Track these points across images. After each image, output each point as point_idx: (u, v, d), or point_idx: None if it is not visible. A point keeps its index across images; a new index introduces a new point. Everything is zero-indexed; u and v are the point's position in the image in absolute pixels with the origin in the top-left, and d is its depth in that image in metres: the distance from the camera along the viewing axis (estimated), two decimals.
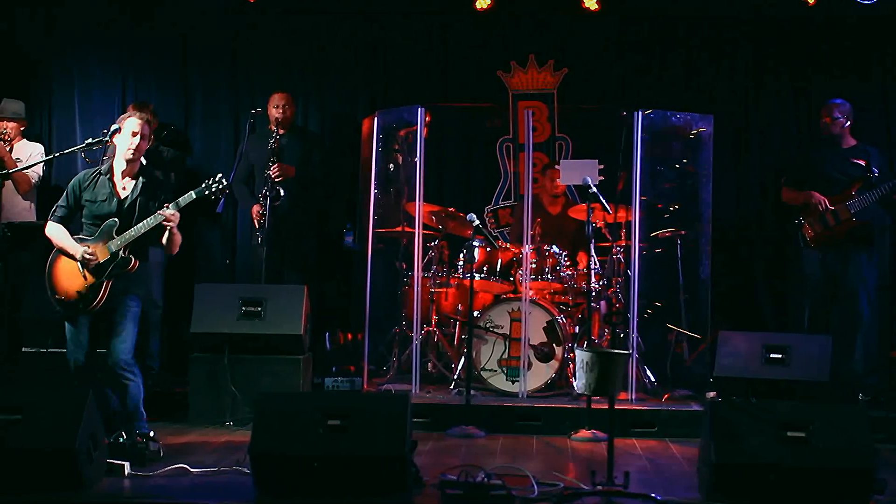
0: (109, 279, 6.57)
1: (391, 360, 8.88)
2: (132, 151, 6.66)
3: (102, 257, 6.56)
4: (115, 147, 6.74)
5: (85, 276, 6.58)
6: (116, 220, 6.60)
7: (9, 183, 8.63)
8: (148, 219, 6.52)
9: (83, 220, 6.75)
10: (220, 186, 6.71)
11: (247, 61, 10.02)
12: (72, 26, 9.95)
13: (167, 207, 6.51)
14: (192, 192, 6.65)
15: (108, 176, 6.71)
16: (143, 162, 6.85)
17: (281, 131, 9.00)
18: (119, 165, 6.72)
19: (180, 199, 6.58)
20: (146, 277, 6.96)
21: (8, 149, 8.93)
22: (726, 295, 9.17)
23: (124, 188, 6.70)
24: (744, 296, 9.55)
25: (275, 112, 9.07)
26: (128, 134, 6.65)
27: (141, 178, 6.74)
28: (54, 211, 6.80)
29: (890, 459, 6.58)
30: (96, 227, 6.65)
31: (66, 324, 6.73)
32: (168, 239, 6.60)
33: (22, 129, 9.19)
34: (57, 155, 7.67)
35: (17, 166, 8.52)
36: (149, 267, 6.94)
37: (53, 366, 7.98)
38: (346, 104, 10.08)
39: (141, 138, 6.67)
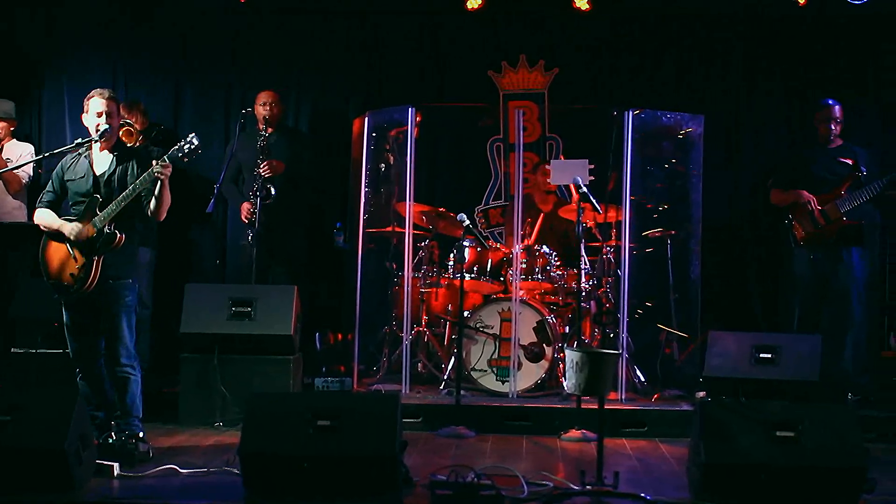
0: (99, 256, 6.54)
1: (381, 361, 8.88)
2: (98, 131, 6.64)
3: (89, 235, 6.55)
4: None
5: (75, 257, 6.57)
6: (99, 196, 6.60)
7: None
8: (127, 190, 6.50)
9: (69, 201, 6.77)
10: (192, 147, 6.62)
11: (237, 61, 10.00)
12: (69, 26, 9.94)
13: (161, 160, 6.47)
14: (165, 156, 6.55)
15: (84, 155, 6.75)
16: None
17: (269, 130, 9.00)
18: (96, 145, 6.74)
19: (155, 166, 6.50)
20: (135, 258, 6.91)
21: None
22: (716, 295, 9.20)
23: (99, 163, 6.72)
24: (734, 296, 9.56)
25: (261, 110, 9.06)
26: (93, 114, 6.67)
27: (115, 152, 6.75)
28: (41, 197, 6.84)
29: (880, 458, 6.61)
30: (80, 206, 6.65)
31: (64, 312, 6.74)
32: (158, 197, 6.55)
33: (12, 129, 9.18)
34: (47, 155, 7.64)
35: (6, 166, 8.54)
36: (137, 248, 6.89)
37: (43, 366, 7.98)
38: (339, 103, 10.06)
39: (108, 117, 6.66)
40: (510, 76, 9.92)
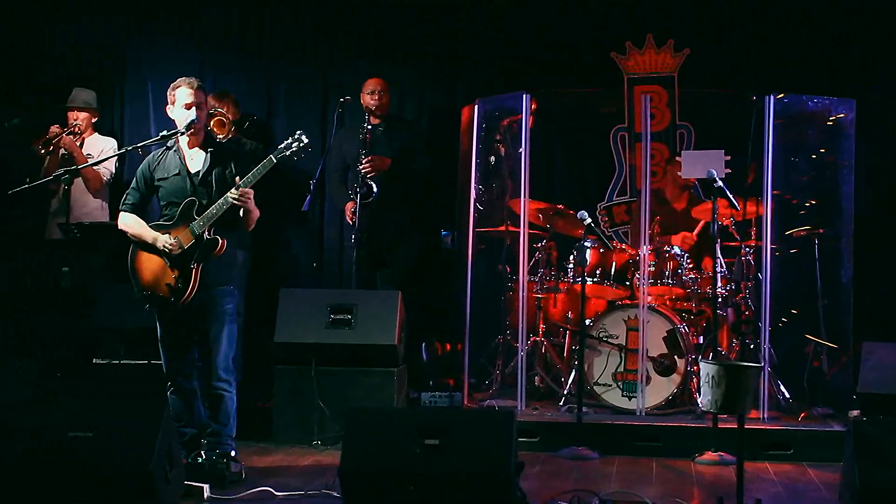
0: (198, 265, 6.54)
1: (494, 374, 8.88)
2: (188, 125, 6.64)
3: (186, 242, 6.54)
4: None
5: (171, 266, 6.57)
6: (195, 199, 6.60)
7: (78, 180, 8.79)
8: (227, 195, 6.48)
9: (161, 203, 6.79)
10: (301, 145, 6.62)
11: (335, 49, 10.07)
12: (152, 15, 10.12)
13: (238, 184, 6.47)
14: (271, 156, 6.56)
15: (174, 150, 6.76)
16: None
17: (375, 121, 9.03)
18: (183, 139, 6.74)
19: (255, 169, 6.52)
20: (235, 261, 6.95)
21: (78, 143, 9.07)
22: (871, 301, 8.98)
23: (192, 159, 6.74)
24: (891, 302, 9.36)
25: (369, 99, 9.10)
26: (180, 106, 6.69)
27: (209, 148, 6.78)
28: (125, 199, 6.82)
29: None
30: (175, 208, 6.65)
31: (158, 324, 6.77)
32: (244, 215, 6.59)
33: (94, 120, 9.33)
34: (129, 149, 7.76)
35: (86, 161, 8.64)
36: (236, 250, 6.92)
37: (127, 378, 8.10)
38: (444, 93, 10.12)
39: (196, 108, 6.67)
40: (635, 58, 9.84)
